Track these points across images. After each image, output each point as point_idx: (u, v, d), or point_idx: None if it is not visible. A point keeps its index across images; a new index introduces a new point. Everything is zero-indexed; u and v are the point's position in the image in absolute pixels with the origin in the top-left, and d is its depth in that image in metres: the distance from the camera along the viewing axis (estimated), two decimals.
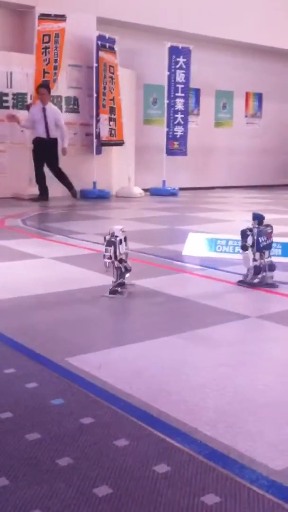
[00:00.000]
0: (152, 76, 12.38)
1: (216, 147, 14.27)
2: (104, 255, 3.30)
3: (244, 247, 3.59)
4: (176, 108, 11.65)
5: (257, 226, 3.54)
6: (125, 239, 3.38)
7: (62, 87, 10.44)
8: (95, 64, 10.44)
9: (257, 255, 3.56)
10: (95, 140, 10.57)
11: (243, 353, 2.49)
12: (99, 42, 10.43)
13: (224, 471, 1.52)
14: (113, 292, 3.38)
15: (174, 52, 11.38)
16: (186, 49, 11.45)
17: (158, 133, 12.02)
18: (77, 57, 10.72)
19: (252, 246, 3.53)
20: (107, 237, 3.30)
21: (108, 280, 3.66)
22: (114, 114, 10.73)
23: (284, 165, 14.41)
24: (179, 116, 11.70)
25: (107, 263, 3.31)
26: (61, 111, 10.51)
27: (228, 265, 4.34)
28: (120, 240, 3.32)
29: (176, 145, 11.77)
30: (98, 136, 10.56)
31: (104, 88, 10.59)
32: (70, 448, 1.63)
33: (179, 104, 11.66)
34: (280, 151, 14.88)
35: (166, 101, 11.58)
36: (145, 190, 11.52)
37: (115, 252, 3.28)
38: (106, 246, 3.29)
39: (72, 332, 2.75)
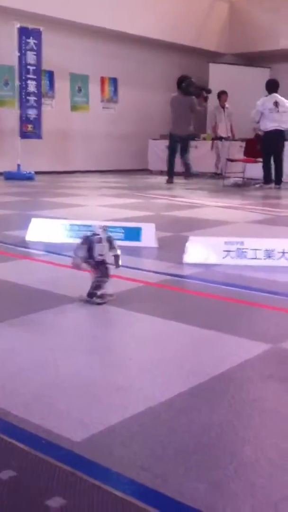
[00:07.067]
0: (2, 56, 11.99)
1: (73, 131, 14.24)
2: (75, 253, 3.01)
3: None
4: (28, 90, 11.43)
5: None
6: (109, 239, 2.98)
7: None
8: None
9: None
10: None
11: (72, 337, 2.58)
12: None
13: (22, 445, 1.60)
14: (90, 295, 3.03)
15: (23, 33, 11.13)
16: (37, 30, 11.25)
17: (10, 115, 11.71)
18: None
19: None
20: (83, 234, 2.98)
21: None
22: None
23: (140, 150, 14.78)
24: (32, 98, 11.50)
25: (79, 263, 3.01)
26: None
27: (71, 250, 4.41)
28: (100, 238, 2.95)
29: (30, 128, 11.58)
30: None
31: None
32: None
33: (32, 86, 11.46)
34: (136, 136, 15.23)
35: (17, 83, 11.31)
36: None
37: (90, 252, 2.94)
38: (80, 243, 2.96)
39: None
